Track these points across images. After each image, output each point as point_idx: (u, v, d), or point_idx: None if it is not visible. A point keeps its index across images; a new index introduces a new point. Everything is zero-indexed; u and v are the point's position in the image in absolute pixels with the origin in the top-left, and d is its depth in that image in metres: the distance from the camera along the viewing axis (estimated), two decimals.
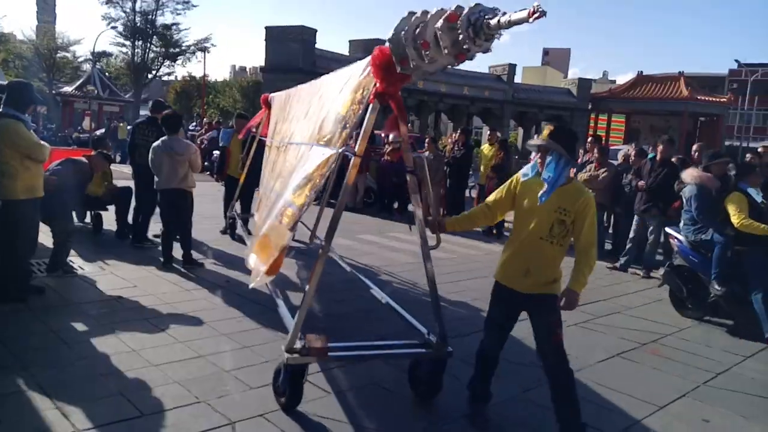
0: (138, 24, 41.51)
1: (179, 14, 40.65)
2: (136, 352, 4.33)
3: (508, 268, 3.47)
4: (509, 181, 3.56)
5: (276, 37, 27.87)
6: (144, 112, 26.69)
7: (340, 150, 3.44)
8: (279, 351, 3.60)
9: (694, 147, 9.84)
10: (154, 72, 44.13)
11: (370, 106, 3.34)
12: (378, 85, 3.28)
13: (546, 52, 50.44)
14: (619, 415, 3.88)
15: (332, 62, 25.92)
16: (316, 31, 29.12)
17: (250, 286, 3.84)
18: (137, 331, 4.78)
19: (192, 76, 54.69)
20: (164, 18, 41.55)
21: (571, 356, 3.45)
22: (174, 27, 42.62)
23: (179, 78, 54.75)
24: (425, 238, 3.71)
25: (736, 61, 51.09)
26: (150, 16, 41.82)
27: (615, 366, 4.78)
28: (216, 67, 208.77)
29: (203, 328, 4.96)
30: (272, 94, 7.60)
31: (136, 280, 6.23)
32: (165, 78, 50.17)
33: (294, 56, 27.12)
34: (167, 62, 44.18)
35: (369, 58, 3.41)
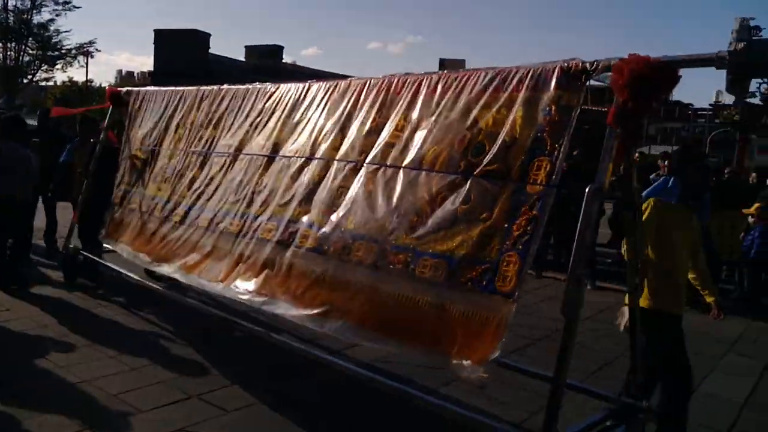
0: (11, 23, 38.24)
1: (58, 15, 37.82)
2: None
3: (674, 294, 3.40)
4: (650, 213, 3.35)
5: (166, 41, 26.82)
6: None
7: (544, 186, 2.76)
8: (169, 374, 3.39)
9: None
10: (30, 76, 40.83)
11: (608, 130, 2.69)
12: (628, 103, 2.60)
13: (442, 62, 51.97)
14: (518, 410, 3.95)
15: (227, 67, 25.23)
16: (209, 35, 28.30)
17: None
18: None
19: (73, 81, 51.19)
20: (41, 17, 38.64)
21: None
22: (52, 28, 39.70)
23: (59, 83, 51.08)
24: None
25: None
26: (25, 16, 38.65)
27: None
28: (101, 73, 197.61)
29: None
30: (132, 89, 6.21)
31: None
32: (43, 83, 46.65)
33: (186, 61, 26.15)
34: (45, 66, 41.06)
35: (515, 69, 3.04)
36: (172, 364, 4.41)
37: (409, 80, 3.68)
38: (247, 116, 4.79)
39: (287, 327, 4.45)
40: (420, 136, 3.42)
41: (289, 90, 4.59)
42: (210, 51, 29.08)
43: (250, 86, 4.94)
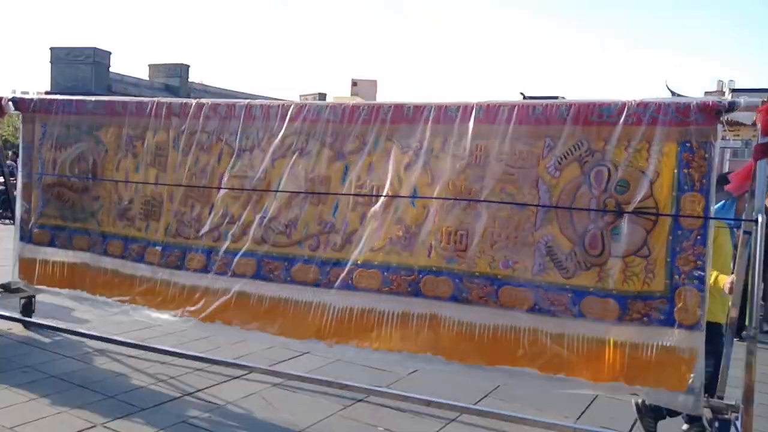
0: None
1: None
2: None
3: (723, 308, 3.36)
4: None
5: (63, 58, 25.26)
6: None
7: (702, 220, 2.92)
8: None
9: None
10: None
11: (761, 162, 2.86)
12: None
13: (354, 82, 52.39)
14: (433, 419, 3.80)
15: (130, 86, 24.22)
16: (110, 53, 27.02)
17: None
18: None
19: None
20: None
21: (383, 371, 4.06)
22: None
23: None
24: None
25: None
26: None
27: (428, 374, 4.35)
28: None
29: None
30: (34, 98, 4.81)
31: None
32: None
33: (85, 79, 24.80)
34: None
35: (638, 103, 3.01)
36: (76, 393, 3.93)
37: (502, 108, 3.29)
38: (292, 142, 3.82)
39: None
40: (541, 170, 3.20)
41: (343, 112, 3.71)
42: (111, 69, 27.77)
43: (284, 103, 3.98)
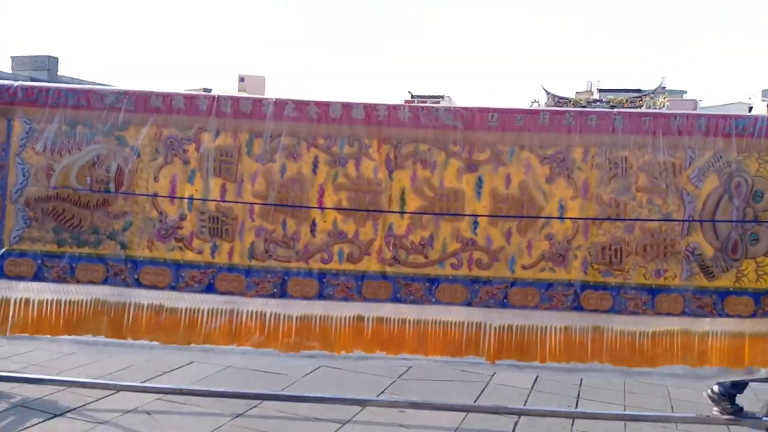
0: None
1: None
2: None
3: None
4: None
5: None
6: None
7: None
8: None
9: None
10: None
11: None
12: None
13: (242, 78, 50.76)
14: (329, 423, 3.86)
15: None
16: None
17: None
18: None
19: None
20: None
21: (280, 375, 4.39)
22: None
23: None
24: None
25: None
26: None
27: (321, 376, 4.68)
28: None
29: None
30: (47, 85, 3.62)
31: None
32: None
33: None
34: None
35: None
36: None
37: (644, 119, 3.37)
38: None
39: None
40: (684, 181, 3.37)
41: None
42: None
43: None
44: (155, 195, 3.41)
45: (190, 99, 3.43)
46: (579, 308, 3.37)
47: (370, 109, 3.36)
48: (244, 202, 3.39)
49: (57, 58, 34.48)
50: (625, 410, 4.22)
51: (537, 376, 4.63)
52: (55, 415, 3.73)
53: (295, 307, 3.40)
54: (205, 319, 3.43)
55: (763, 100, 41.33)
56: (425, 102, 50.55)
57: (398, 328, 3.41)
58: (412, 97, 52.74)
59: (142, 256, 3.43)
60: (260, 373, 4.45)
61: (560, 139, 3.31)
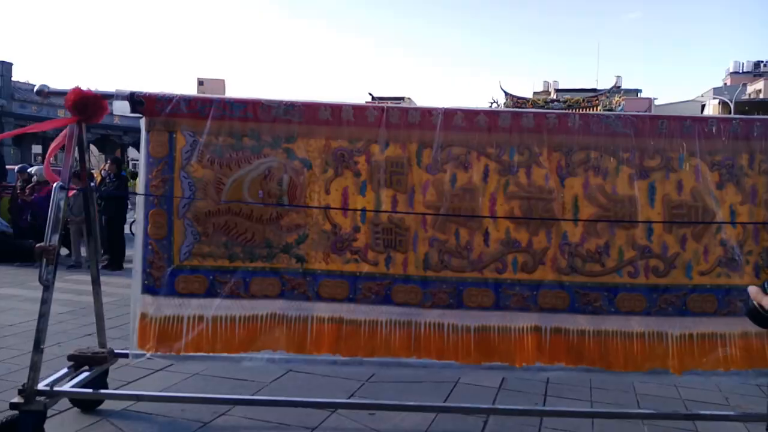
0: None
1: None
2: None
3: None
4: None
5: None
6: None
7: None
8: None
9: None
10: None
11: None
12: None
13: (201, 81, 49.52)
14: (298, 428, 3.75)
15: None
16: None
17: None
18: None
19: None
20: None
21: (246, 381, 4.35)
22: None
23: None
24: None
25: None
26: None
27: (289, 380, 4.59)
28: None
29: None
30: (211, 96, 3.55)
31: None
32: None
33: None
34: None
35: None
36: None
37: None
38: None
39: None
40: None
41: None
42: None
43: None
44: (328, 207, 3.40)
45: (359, 110, 3.41)
46: None
47: (540, 117, 3.40)
48: (417, 213, 3.39)
49: (11, 64, 33.03)
50: (592, 407, 4.13)
51: (503, 378, 4.51)
52: None
53: (472, 318, 3.40)
54: (383, 331, 3.42)
55: (714, 98, 43.47)
56: (386, 103, 50.24)
57: (577, 338, 3.40)
58: (373, 98, 52.38)
59: (319, 269, 3.42)
60: (228, 380, 4.41)
61: (727, 145, 3.38)
